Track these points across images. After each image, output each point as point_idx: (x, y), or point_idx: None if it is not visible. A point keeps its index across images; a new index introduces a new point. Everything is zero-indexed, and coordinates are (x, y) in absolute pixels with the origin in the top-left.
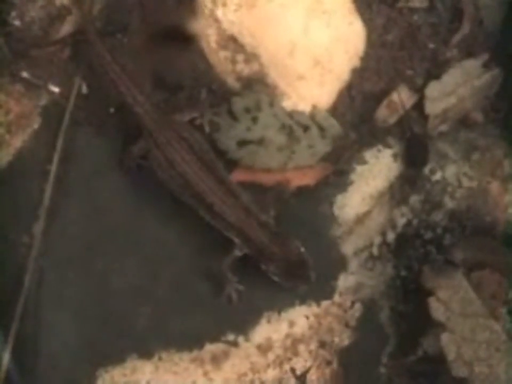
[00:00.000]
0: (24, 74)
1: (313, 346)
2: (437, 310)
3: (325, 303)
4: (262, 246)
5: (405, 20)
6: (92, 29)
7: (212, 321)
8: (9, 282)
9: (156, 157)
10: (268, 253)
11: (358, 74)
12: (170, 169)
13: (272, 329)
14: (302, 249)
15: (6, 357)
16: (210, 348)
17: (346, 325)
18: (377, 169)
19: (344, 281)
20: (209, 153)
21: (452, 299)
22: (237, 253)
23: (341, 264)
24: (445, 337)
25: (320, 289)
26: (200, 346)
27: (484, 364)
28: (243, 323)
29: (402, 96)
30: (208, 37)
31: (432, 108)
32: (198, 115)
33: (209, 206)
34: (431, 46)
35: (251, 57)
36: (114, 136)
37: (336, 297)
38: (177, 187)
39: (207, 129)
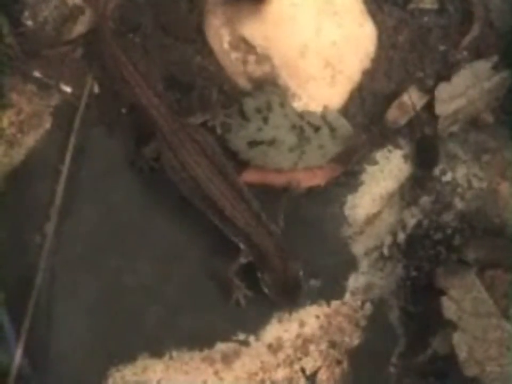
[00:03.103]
0: (36, 74)
1: (323, 346)
2: (449, 309)
3: (335, 303)
4: (265, 254)
5: (416, 21)
6: (107, 29)
7: (222, 321)
8: (21, 282)
9: (168, 159)
10: (269, 262)
11: (369, 75)
12: (182, 171)
13: (283, 329)
14: (301, 273)
15: (18, 354)
16: (221, 347)
17: (357, 324)
18: (387, 170)
19: (355, 281)
20: (222, 157)
21: (464, 298)
22: (242, 260)
23: (351, 264)
24: (456, 337)
25: (330, 289)
26: (211, 345)
27: (495, 363)
28: (254, 323)
29: (413, 98)
30: (221, 37)
31: (442, 109)
32: (210, 117)
33: (220, 210)
34: (442, 47)
35: (262, 58)
36: (126, 136)
37: (347, 297)
38: (188, 190)
39: (219, 131)
